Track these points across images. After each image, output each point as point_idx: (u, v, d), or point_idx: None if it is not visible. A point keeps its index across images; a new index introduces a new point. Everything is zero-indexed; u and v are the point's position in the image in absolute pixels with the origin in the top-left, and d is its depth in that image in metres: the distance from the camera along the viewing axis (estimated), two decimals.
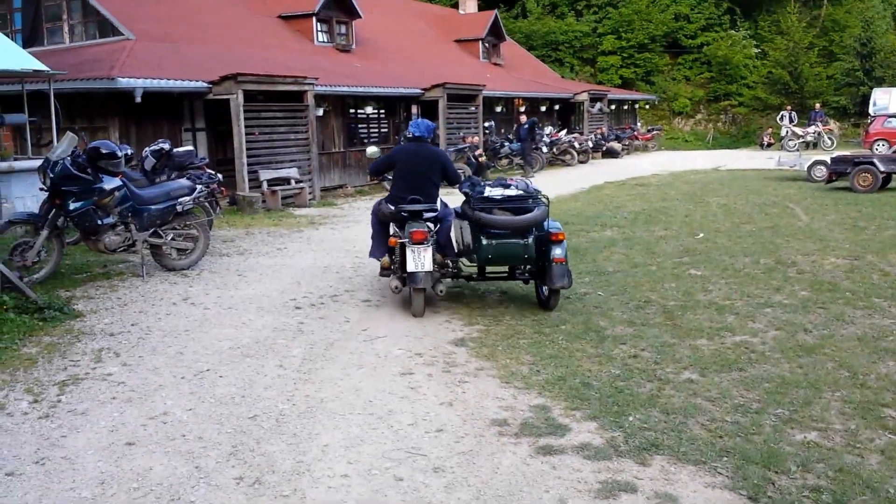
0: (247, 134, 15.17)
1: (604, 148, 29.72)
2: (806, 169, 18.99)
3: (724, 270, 8.93)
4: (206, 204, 10.69)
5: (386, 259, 7.63)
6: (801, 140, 30.19)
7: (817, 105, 33.10)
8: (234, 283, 8.74)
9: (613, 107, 35.17)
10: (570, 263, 7.46)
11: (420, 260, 7.02)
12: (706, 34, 41.74)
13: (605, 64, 41.66)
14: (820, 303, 7.37)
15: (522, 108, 26.96)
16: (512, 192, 7.34)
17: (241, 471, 4.13)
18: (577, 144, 26.82)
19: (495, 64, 31.28)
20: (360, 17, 23.39)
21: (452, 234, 7.71)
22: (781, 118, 32.23)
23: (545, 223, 7.18)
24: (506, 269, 7.78)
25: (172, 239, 9.31)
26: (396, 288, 7.36)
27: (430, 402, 5.10)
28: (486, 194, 7.29)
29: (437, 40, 30.11)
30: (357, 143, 20.29)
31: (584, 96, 30.63)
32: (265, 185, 15.52)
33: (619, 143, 30.83)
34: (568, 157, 26.37)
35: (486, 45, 31.18)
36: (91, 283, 8.67)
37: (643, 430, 4.54)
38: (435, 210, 7.54)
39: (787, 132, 31.18)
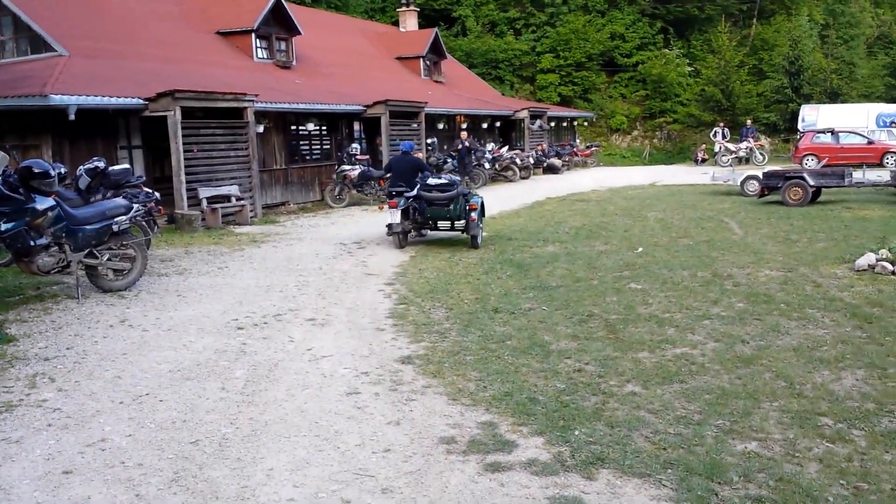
0: (185, 151, 14.93)
1: (545, 164, 30.15)
2: (739, 184, 19.47)
3: (664, 284, 9.10)
4: (144, 223, 10.50)
5: None
6: (734, 156, 30.96)
7: (749, 121, 34.05)
8: (174, 304, 8.56)
9: (553, 124, 35.74)
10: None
11: (394, 216, 12.30)
12: (641, 53, 42.80)
13: (545, 82, 42.31)
14: (756, 314, 7.57)
15: (464, 126, 27.14)
16: (442, 180, 12.48)
17: (183, 498, 4.03)
18: (518, 161, 27.13)
19: (436, 81, 31.48)
20: (299, 33, 23.31)
21: None
22: (715, 134, 33.06)
23: (471, 198, 12.19)
24: (448, 224, 12.78)
25: (108, 259, 9.08)
26: (387, 233, 12.71)
27: (377, 421, 5.06)
28: (427, 182, 12.40)
29: (379, 57, 30.17)
30: (299, 159, 20.14)
31: (525, 113, 31.05)
32: (205, 202, 15.28)
33: (559, 159, 31.27)
34: (510, 172, 26.65)
35: (428, 62, 31.39)
36: (24, 306, 8.40)
37: (589, 444, 4.59)
38: (409, 191, 12.49)
39: (720, 148, 32.00)
